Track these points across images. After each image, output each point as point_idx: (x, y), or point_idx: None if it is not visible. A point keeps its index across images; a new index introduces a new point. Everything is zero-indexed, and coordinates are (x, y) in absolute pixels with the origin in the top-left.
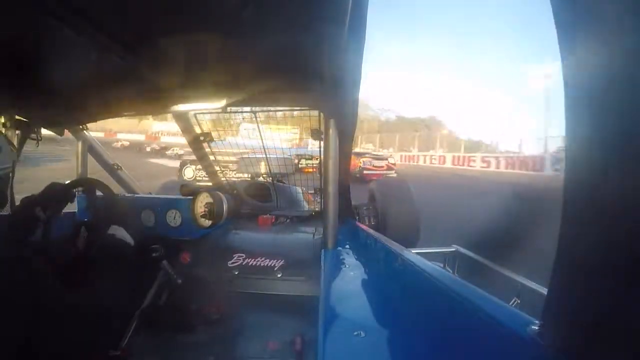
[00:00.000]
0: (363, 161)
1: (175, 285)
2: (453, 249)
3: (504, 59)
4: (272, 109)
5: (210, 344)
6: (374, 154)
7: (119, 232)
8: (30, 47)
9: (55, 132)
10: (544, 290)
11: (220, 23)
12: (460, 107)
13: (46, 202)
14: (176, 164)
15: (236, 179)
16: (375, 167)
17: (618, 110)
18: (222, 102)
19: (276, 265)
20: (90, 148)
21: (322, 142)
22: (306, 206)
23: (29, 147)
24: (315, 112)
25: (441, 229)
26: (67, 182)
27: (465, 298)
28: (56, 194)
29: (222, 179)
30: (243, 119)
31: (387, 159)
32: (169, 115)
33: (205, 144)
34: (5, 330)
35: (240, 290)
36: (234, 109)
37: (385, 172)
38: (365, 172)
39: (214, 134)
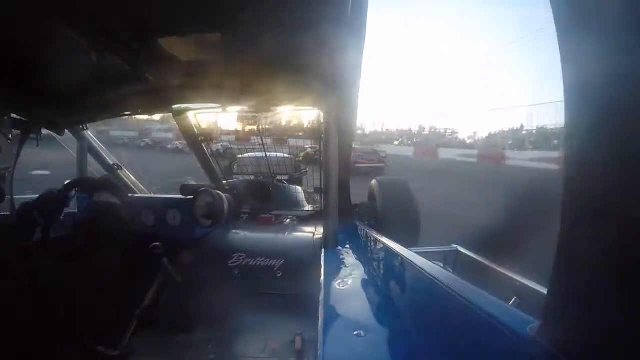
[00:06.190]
0: (356, 155)
1: (175, 284)
2: (453, 249)
3: None
4: (272, 109)
5: (211, 344)
6: (364, 148)
7: (119, 232)
8: (31, 48)
9: (55, 132)
10: (544, 290)
11: (220, 23)
12: None
13: (43, 207)
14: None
15: (236, 179)
16: (367, 160)
17: (618, 110)
18: (222, 102)
19: (276, 264)
20: (90, 148)
21: (322, 142)
22: (306, 206)
23: None
24: (315, 112)
25: None
26: (66, 182)
27: (464, 297)
28: (52, 200)
29: (222, 178)
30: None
31: (377, 153)
32: None
33: (205, 144)
34: (5, 331)
35: (240, 290)
36: (233, 108)
37: (376, 164)
38: (357, 164)
39: (214, 134)
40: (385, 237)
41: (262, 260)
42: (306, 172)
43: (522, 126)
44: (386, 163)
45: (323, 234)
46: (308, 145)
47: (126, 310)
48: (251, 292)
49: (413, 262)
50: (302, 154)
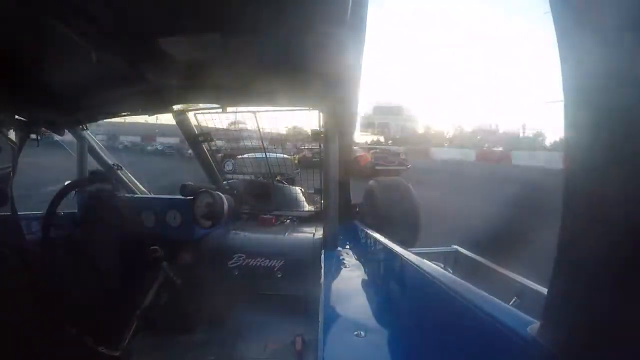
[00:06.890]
0: (375, 156)
1: (175, 285)
2: (453, 249)
3: None
4: (272, 109)
5: (210, 345)
6: (384, 149)
7: (119, 232)
8: (31, 47)
9: (55, 133)
10: (544, 290)
11: (220, 23)
12: None
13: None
14: None
15: (236, 179)
16: (387, 162)
17: (617, 111)
18: (222, 102)
19: (276, 265)
20: (90, 148)
21: (322, 142)
22: (306, 206)
23: None
24: (315, 112)
25: None
26: (67, 181)
27: (465, 298)
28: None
29: (222, 179)
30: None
31: (398, 155)
32: None
33: (204, 144)
34: (5, 331)
35: (240, 291)
36: (233, 108)
37: (396, 167)
38: (377, 167)
39: (214, 134)
40: (385, 237)
41: (262, 261)
42: (299, 173)
43: None
44: (407, 166)
45: (323, 234)
46: (305, 146)
47: (126, 310)
48: (251, 293)
49: (413, 263)
50: (296, 157)
